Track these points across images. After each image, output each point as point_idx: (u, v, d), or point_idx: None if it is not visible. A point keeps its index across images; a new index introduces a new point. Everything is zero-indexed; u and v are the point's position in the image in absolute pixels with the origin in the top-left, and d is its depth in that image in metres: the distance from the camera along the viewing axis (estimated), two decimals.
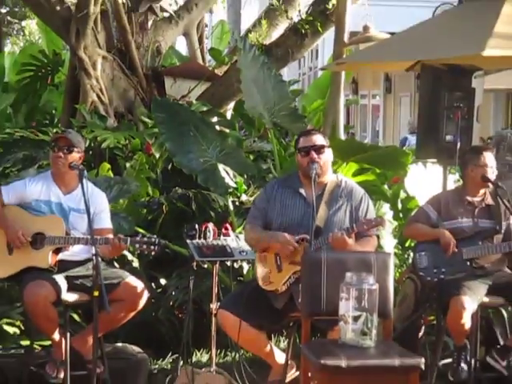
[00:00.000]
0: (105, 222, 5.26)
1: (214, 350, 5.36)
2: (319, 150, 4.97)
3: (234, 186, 6.75)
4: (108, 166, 6.89)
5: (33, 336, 5.31)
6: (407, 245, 6.66)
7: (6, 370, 5.29)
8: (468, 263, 5.25)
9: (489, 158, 5.38)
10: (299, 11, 8.54)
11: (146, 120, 7.64)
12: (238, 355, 5.53)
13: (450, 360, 5.34)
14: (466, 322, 5.06)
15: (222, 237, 5.47)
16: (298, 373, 4.92)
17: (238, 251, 5.37)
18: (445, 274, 5.21)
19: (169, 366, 5.81)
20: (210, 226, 5.46)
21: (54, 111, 9.11)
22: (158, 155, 7.14)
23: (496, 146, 10.70)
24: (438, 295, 5.32)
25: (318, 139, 5.03)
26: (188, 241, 5.36)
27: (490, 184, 5.36)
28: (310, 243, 4.77)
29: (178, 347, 5.54)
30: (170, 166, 7.12)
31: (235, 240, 5.45)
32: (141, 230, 6.10)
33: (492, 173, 5.34)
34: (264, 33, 8.49)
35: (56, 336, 5.08)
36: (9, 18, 25.51)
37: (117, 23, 8.05)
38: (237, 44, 7.68)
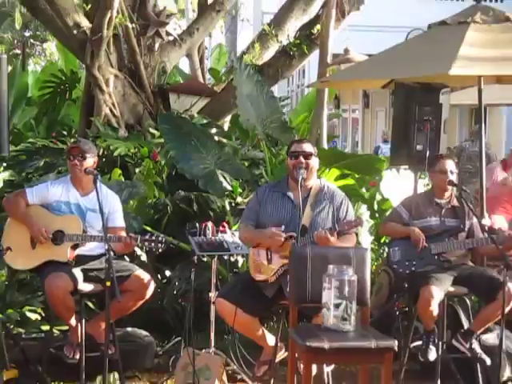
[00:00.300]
0: (118, 221, 5.26)
1: (212, 334, 5.36)
2: (307, 156, 4.98)
3: (231, 189, 6.75)
4: (119, 171, 6.88)
5: (52, 321, 5.30)
6: (382, 241, 6.67)
7: (28, 351, 5.27)
8: (436, 257, 5.26)
9: (446, 164, 5.38)
10: (288, 35, 8.54)
11: (153, 131, 7.63)
12: (233, 338, 5.54)
13: (420, 342, 5.34)
14: (434, 309, 5.07)
15: (219, 234, 5.46)
16: (286, 353, 4.94)
17: (234, 246, 5.37)
18: (415, 267, 5.22)
19: (172, 348, 5.80)
20: (209, 224, 5.46)
21: (71, 123, 9.09)
22: (163, 162, 7.13)
23: (457, 156, 10.81)
24: (410, 285, 5.33)
25: (308, 147, 5.03)
26: (190, 237, 5.37)
27: (454, 187, 5.38)
28: (297, 240, 4.77)
29: (180, 331, 5.54)
30: (174, 172, 7.11)
31: (231, 236, 5.45)
32: (148, 228, 6.10)
33: (449, 177, 5.35)
34: (257, 54, 8.49)
35: (73, 321, 5.08)
36: (32, 40, 25.50)
37: (127, 45, 8.03)
38: (233, 64, 7.67)
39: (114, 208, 5.24)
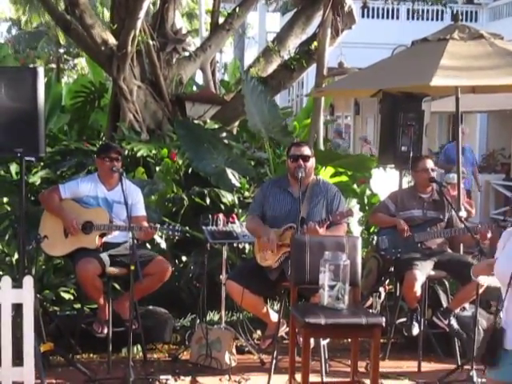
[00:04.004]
0: (140, 210, 5.27)
1: (223, 311, 5.37)
2: (305, 158, 4.96)
3: (239, 185, 6.74)
4: (142, 170, 6.87)
5: (83, 301, 5.31)
6: (371, 230, 6.65)
7: (62, 327, 5.28)
8: (419, 245, 5.25)
9: (426, 163, 5.36)
10: (289, 51, 8.51)
11: (171, 135, 7.62)
12: (241, 315, 5.54)
13: (404, 319, 5.33)
14: (417, 290, 5.06)
15: (229, 224, 5.46)
16: (287, 329, 4.93)
17: (242, 235, 5.36)
18: (401, 254, 5.20)
19: (188, 323, 5.79)
20: (220, 216, 5.46)
21: (100, 128, 9.06)
22: (180, 162, 7.11)
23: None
24: (396, 270, 5.32)
25: (306, 150, 5.01)
26: (203, 227, 5.36)
27: (435, 183, 5.38)
28: (297, 230, 4.76)
29: (195, 309, 5.53)
30: (189, 170, 7.10)
31: (239, 227, 5.44)
32: (167, 220, 6.09)
33: (428, 174, 5.33)
34: (262, 68, 8.46)
35: (101, 301, 5.09)
36: (65, 56, 25.52)
37: (149, 60, 8.01)
38: (241, 76, 7.64)
39: (136, 199, 5.25)
